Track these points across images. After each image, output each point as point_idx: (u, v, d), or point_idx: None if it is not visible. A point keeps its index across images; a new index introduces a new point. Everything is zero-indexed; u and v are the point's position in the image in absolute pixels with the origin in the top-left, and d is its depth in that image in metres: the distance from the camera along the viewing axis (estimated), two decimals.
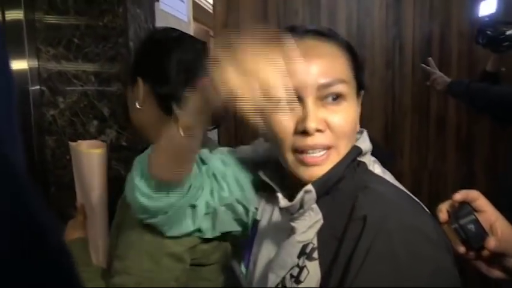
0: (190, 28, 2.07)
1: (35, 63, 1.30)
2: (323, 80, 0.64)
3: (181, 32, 1.03)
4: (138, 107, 0.96)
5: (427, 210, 0.66)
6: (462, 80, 1.95)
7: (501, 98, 1.71)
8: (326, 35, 0.69)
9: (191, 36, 1.04)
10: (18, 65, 1.28)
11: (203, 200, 0.78)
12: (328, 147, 0.66)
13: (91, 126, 1.30)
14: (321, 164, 0.65)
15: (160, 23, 1.51)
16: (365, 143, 0.71)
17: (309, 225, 0.66)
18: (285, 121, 0.64)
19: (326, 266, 0.63)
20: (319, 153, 0.65)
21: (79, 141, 1.07)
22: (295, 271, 0.65)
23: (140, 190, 0.72)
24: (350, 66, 0.69)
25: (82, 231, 1.06)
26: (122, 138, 1.29)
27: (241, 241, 0.83)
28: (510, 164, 1.78)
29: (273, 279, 0.67)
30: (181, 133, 0.62)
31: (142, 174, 0.72)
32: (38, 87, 1.31)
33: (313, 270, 0.63)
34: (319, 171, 0.66)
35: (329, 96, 0.65)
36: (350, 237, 0.60)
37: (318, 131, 0.64)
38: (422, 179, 2.31)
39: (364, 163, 0.70)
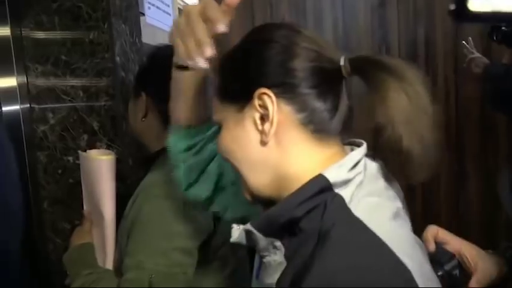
0: None
1: (24, 80, 1.32)
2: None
3: None
4: (141, 119, 1.06)
5: (397, 265, 0.50)
6: (501, 63, 1.89)
7: None
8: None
9: None
10: (7, 82, 1.30)
11: (215, 166, 0.80)
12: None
13: (81, 141, 1.32)
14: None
15: (146, 36, 1.54)
16: (340, 170, 0.56)
17: (274, 266, 0.59)
18: None
19: None
20: None
21: (89, 150, 1.14)
22: None
23: (171, 140, 0.81)
24: (217, 93, 0.64)
25: (88, 237, 1.11)
26: (112, 150, 1.31)
27: None
28: None
29: None
30: (174, 69, 0.73)
31: (173, 129, 0.82)
32: (28, 104, 1.33)
33: None
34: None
35: None
36: None
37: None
38: None
39: (340, 197, 0.54)
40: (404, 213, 0.60)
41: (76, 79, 1.29)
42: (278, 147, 0.58)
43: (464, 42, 1.98)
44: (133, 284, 0.90)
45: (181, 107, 0.77)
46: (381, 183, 0.59)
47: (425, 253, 0.59)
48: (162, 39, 1.79)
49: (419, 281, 0.49)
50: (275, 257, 0.58)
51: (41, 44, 1.28)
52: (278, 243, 0.57)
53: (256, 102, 0.57)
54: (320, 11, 2.33)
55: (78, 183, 1.34)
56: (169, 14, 1.88)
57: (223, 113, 0.62)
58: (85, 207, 1.14)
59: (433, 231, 0.74)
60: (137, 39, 1.43)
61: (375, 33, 2.30)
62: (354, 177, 0.56)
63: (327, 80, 0.58)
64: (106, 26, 1.25)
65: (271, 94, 0.56)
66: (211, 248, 0.99)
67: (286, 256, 0.57)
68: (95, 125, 1.32)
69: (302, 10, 2.34)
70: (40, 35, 1.28)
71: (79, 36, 1.27)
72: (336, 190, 0.55)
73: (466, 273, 0.71)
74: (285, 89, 0.57)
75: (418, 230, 0.74)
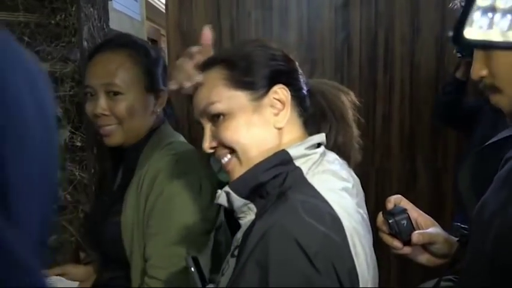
0: (144, 27, 2.06)
1: None
2: (200, 106, 0.73)
3: None
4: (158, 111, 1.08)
5: (339, 228, 0.63)
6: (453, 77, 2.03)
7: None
8: (207, 63, 0.75)
9: None
10: None
11: None
12: (229, 153, 0.73)
13: None
14: (228, 169, 0.74)
15: (113, 22, 1.49)
16: (299, 147, 0.71)
17: (248, 223, 0.70)
18: None
19: (238, 264, 0.65)
20: (224, 160, 0.74)
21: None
22: (226, 264, 0.72)
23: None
24: (226, 84, 0.72)
25: None
26: (76, 138, 1.27)
27: None
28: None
29: (223, 267, 0.74)
30: None
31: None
32: None
33: (231, 266, 0.68)
34: (230, 176, 0.73)
35: (215, 116, 0.72)
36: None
37: (213, 148, 0.74)
38: (369, 175, 2.43)
39: (299, 169, 0.69)
40: (354, 193, 0.73)
41: (39, 63, 1.23)
42: (281, 129, 0.73)
43: None
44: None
45: None
46: (336, 166, 0.73)
47: (367, 224, 0.74)
48: (129, 26, 1.75)
49: (349, 234, 0.63)
50: (249, 217, 0.70)
51: (2, 24, 1.22)
52: (251, 205, 0.70)
53: (273, 95, 0.72)
54: (285, 8, 2.36)
55: None
56: (136, 0, 1.84)
57: (233, 100, 0.71)
58: None
59: (398, 197, 0.88)
60: (104, 25, 1.39)
61: (339, 33, 2.36)
62: (310, 155, 0.71)
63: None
64: (73, 8, 1.21)
65: (287, 90, 0.72)
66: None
67: (257, 214, 0.70)
68: (59, 112, 1.27)
69: (268, 7, 2.35)
70: (1, 14, 1.21)
71: (43, 18, 1.22)
72: (297, 163, 0.70)
73: (412, 226, 0.83)
74: (294, 88, 0.75)
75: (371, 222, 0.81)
